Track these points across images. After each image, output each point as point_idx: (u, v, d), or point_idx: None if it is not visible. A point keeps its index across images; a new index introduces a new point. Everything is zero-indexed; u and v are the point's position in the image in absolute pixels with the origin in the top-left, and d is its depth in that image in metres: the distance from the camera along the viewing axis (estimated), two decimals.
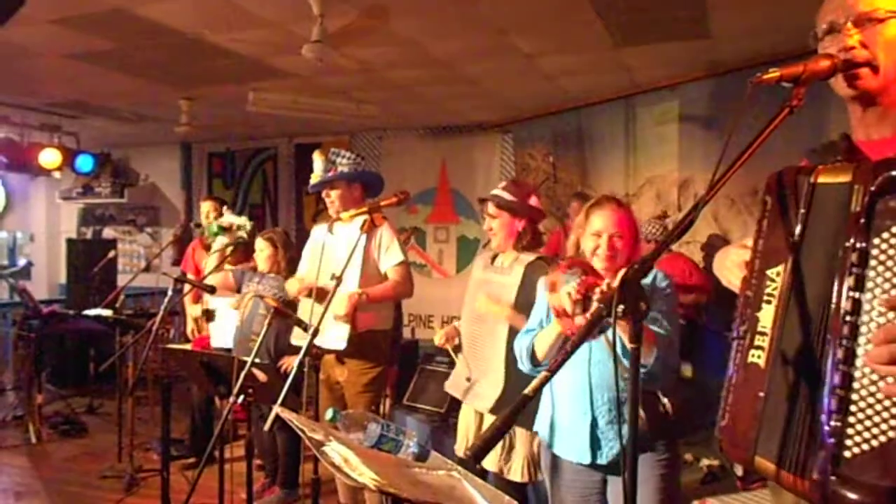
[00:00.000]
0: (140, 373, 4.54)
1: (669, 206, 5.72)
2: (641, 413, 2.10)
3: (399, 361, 5.58)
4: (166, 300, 3.73)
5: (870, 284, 1.01)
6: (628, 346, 1.17)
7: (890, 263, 1.00)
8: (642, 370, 2.06)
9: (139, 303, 7.27)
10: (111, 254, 6.96)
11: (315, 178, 3.64)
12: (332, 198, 3.57)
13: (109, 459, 4.92)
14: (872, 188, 1.02)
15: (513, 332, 2.76)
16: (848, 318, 1.03)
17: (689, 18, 4.25)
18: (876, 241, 1.02)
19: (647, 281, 2.18)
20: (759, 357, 1.20)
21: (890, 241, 1.00)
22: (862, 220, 1.03)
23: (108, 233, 9.56)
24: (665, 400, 2.20)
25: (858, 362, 1.02)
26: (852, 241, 1.04)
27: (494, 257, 3.03)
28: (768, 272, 1.21)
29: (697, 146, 5.58)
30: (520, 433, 2.82)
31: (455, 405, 3.14)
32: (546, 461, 2.41)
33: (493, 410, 2.81)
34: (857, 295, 1.02)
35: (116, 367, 5.25)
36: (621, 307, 1.10)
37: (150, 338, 3.79)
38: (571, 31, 4.50)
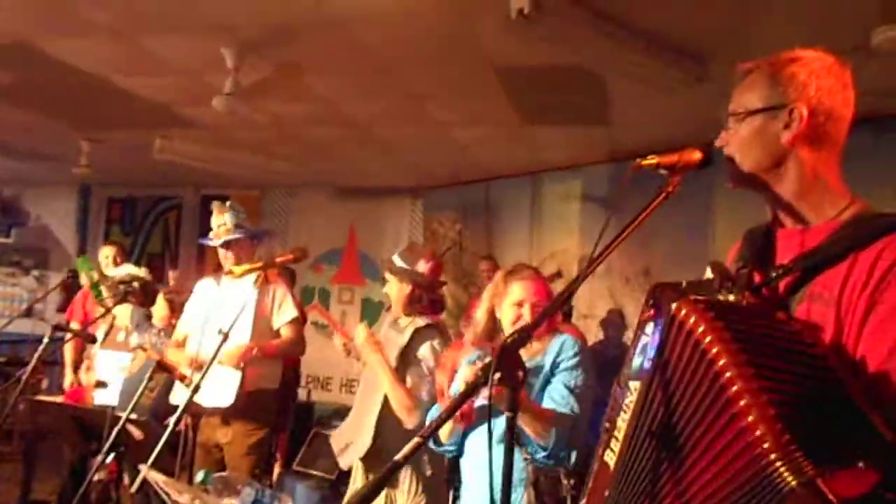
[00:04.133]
0: (5, 425, 4.17)
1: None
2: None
3: (293, 424, 5.39)
4: (40, 348, 3.48)
5: None
6: (505, 413, 1.17)
7: None
8: (541, 451, 2.02)
9: (14, 350, 6.75)
10: None
11: (224, 231, 3.47)
12: (233, 252, 3.47)
13: None
14: None
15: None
16: None
17: (591, 105, 4.49)
18: None
19: (554, 347, 2.16)
20: (610, 459, 1.19)
21: None
22: None
23: None
24: (568, 482, 2.06)
25: None
26: None
27: (398, 318, 3.05)
28: (630, 382, 1.17)
29: (598, 225, 5.80)
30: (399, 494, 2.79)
31: (348, 471, 3.07)
32: None
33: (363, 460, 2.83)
34: None
35: None
36: (497, 375, 1.11)
37: (18, 388, 3.51)
38: (481, 105, 4.66)
